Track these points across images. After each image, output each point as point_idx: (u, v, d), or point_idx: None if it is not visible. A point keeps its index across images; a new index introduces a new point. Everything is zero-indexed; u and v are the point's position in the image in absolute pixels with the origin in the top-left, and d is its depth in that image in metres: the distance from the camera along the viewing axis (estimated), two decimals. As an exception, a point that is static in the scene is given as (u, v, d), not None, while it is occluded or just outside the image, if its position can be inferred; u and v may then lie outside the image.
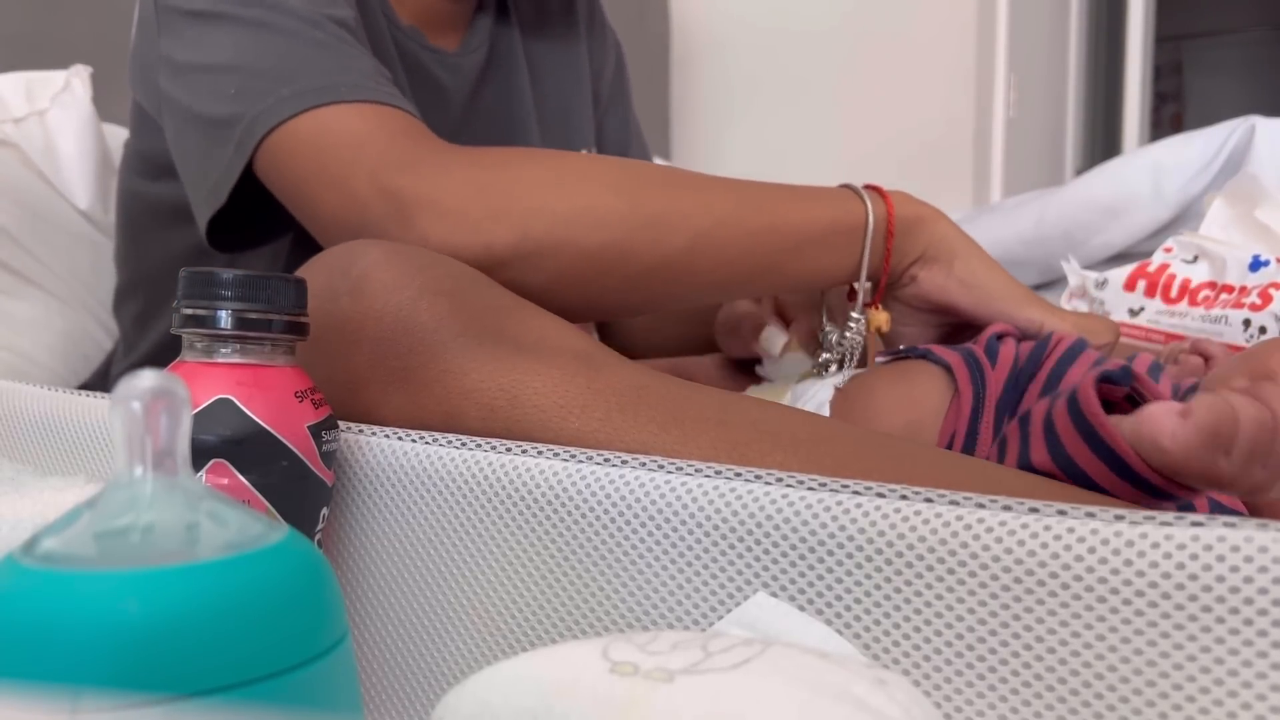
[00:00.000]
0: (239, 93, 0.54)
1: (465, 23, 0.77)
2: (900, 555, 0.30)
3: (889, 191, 0.59)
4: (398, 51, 0.69)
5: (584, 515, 0.35)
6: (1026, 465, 0.40)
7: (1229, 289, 0.70)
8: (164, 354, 0.71)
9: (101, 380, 0.81)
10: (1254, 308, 0.68)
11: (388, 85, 0.56)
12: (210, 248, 0.59)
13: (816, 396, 0.59)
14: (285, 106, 0.52)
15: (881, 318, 0.61)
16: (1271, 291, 0.68)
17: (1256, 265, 0.70)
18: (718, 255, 0.53)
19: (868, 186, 0.59)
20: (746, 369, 0.74)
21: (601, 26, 0.89)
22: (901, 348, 0.59)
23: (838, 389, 0.58)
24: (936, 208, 0.61)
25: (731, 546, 0.32)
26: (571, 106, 0.84)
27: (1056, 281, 0.95)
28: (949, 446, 0.49)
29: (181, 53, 0.57)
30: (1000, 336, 0.57)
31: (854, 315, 0.61)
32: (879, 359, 0.59)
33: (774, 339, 0.67)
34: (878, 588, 0.30)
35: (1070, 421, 0.38)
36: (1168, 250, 0.77)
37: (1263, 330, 0.68)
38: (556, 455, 0.36)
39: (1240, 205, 0.74)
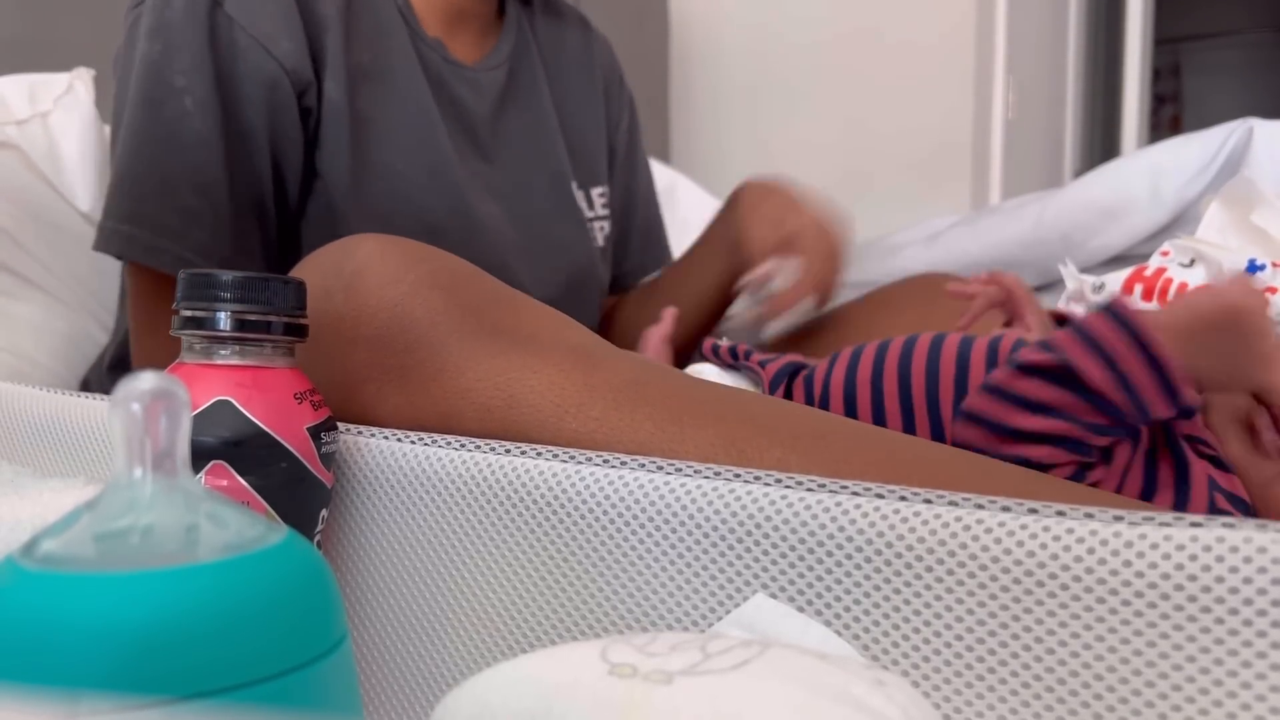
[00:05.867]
0: (118, 200, 0.60)
1: (489, 40, 0.78)
2: (899, 556, 0.30)
3: None
4: (421, 63, 0.70)
5: (583, 516, 0.35)
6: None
7: None
8: None
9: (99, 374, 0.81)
10: None
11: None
12: None
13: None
14: (129, 247, 0.59)
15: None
16: (1267, 295, 0.68)
17: (1253, 269, 0.70)
18: None
19: None
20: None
21: (620, 82, 0.91)
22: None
23: None
24: None
25: (730, 548, 0.32)
26: (588, 143, 0.86)
27: (1054, 284, 0.95)
28: None
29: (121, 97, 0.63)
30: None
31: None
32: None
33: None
34: (877, 589, 0.30)
35: (1115, 327, 0.40)
36: (1164, 254, 0.77)
37: None
38: (555, 456, 0.36)
39: (1236, 209, 0.74)
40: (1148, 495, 0.43)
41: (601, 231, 0.85)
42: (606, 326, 0.92)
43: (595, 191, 0.86)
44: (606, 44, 0.92)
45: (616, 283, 0.93)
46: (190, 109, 0.59)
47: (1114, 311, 0.41)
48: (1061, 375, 0.41)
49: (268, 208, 0.63)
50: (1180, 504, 0.43)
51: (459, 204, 0.69)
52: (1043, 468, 0.41)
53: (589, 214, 0.84)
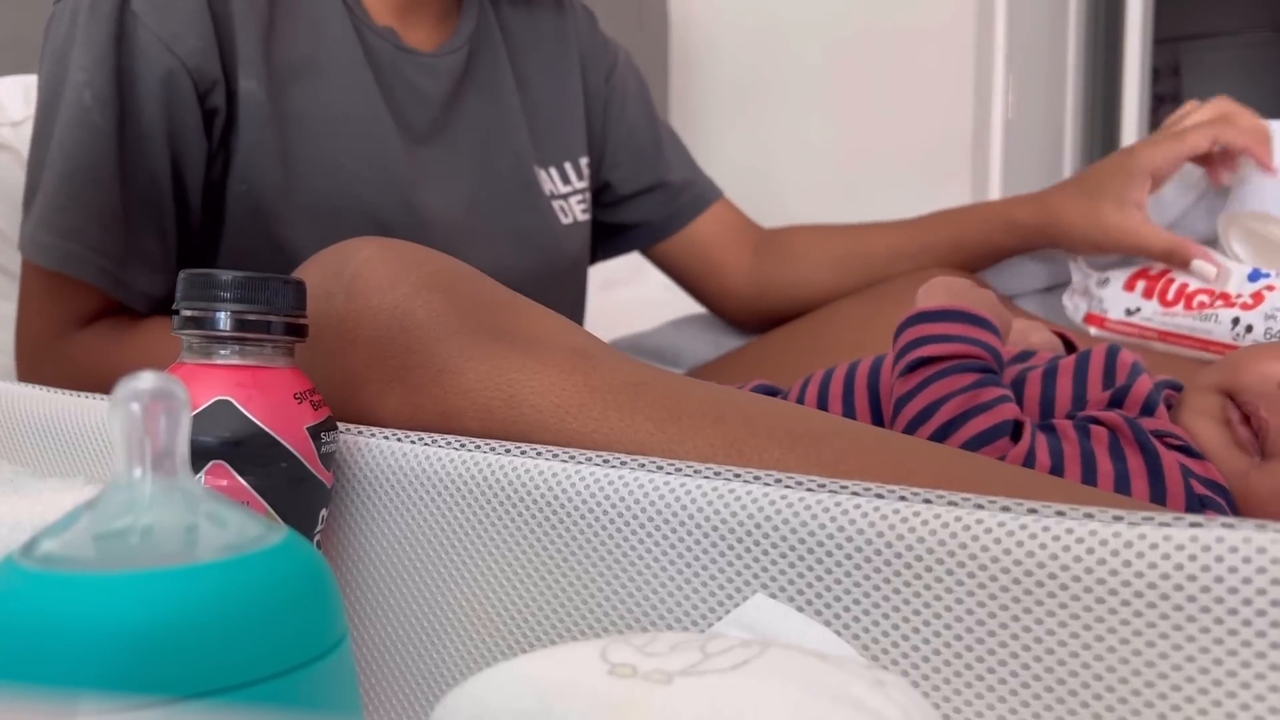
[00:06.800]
0: (29, 196, 0.61)
1: (448, 25, 0.77)
2: (899, 556, 0.30)
3: None
4: (366, 54, 0.69)
5: (583, 516, 0.35)
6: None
7: (1225, 296, 0.71)
8: None
9: None
10: (1245, 307, 0.68)
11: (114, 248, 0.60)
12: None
13: None
14: (27, 247, 0.60)
15: None
16: (1264, 293, 0.68)
17: (1256, 276, 0.70)
18: None
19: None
20: None
21: (602, 45, 0.89)
22: None
23: None
24: None
25: (730, 548, 0.32)
26: (560, 118, 0.84)
27: (1058, 286, 0.95)
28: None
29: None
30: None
31: None
32: None
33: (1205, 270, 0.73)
34: (876, 589, 0.30)
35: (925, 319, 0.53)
36: None
37: (1249, 329, 0.68)
38: (555, 456, 0.36)
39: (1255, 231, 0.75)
40: (1121, 486, 0.46)
41: (581, 205, 0.84)
42: (758, 274, 0.90)
43: (580, 162, 0.84)
44: (586, 14, 0.89)
45: (677, 219, 0.90)
46: (89, 103, 0.58)
47: (911, 317, 0.53)
48: (927, 378, 0.50)
49: (164, 211, 0.62)
50: (1157, 492, 0.45)
51: (404, 196, 0.68)
52: (998, 433, 0.47)
53: (564, 189, 0.82)
